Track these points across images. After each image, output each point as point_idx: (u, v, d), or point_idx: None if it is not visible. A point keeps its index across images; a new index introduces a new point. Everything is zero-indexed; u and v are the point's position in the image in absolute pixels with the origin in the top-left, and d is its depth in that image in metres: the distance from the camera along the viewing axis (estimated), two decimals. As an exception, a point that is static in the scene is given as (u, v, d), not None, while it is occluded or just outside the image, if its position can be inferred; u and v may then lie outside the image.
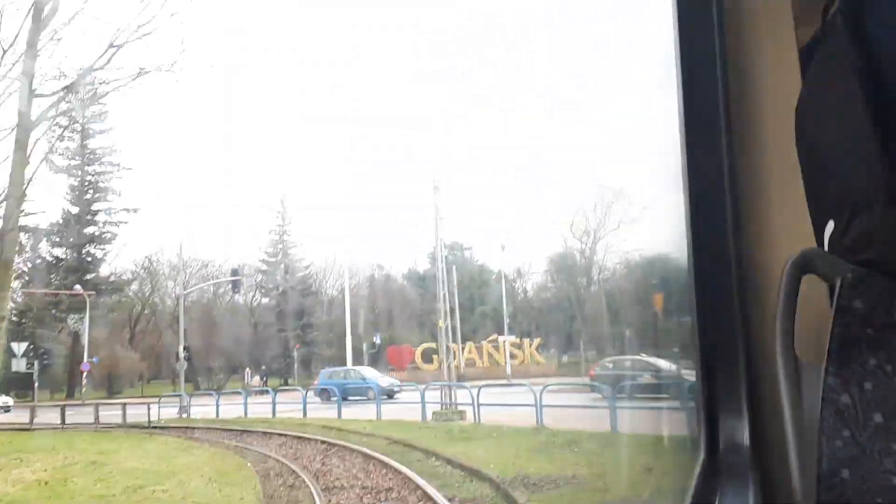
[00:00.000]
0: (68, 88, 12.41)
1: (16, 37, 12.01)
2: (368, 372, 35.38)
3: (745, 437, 1.37)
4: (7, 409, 40.76)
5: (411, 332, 53.81)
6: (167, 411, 28.95)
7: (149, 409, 24.29)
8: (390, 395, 29.83)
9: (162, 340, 51.62)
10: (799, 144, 1.19)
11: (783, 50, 1.33)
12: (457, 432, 15.42)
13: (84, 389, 47.45)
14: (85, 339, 47.59)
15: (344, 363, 49.07)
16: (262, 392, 43.12)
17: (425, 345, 49.15)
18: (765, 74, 1.38)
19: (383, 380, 33.11)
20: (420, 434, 15.96)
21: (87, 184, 56.15)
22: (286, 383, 48.91)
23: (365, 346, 43.92)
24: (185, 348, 32.11)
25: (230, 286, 37.15)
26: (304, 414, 22.51)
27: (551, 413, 15.98)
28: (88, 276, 54.33)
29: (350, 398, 28.98)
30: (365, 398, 28.85)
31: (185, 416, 28.05)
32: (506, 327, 44.05)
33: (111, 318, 54.44)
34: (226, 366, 48.97)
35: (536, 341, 50.72)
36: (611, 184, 56.16)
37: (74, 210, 55.17)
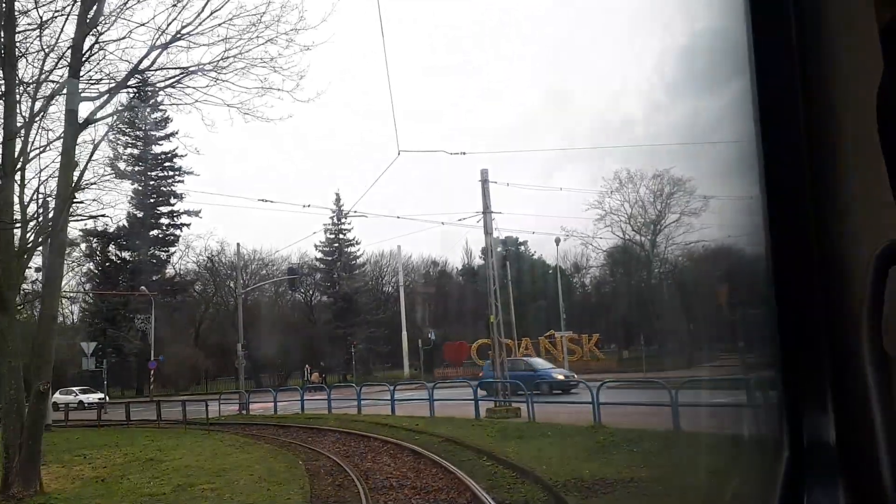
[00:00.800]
0: (116, 88, 12.45)
1: (58, 36, 12.09)
2: (539, 363, 31.12)
3: (832, 436, 1.33)
4: (100, 404, 43.40)
5: (466, 327, 53.44)
6: (229, 407, 29.49)
7: (206, 405, 24.67)
8: (566, 389, 25.90)
9: (225, 338, 52.92)
10: (882, 130, 1.13)
11: (863, 31, 1.21)
12: (511, 430, 14.92)
13: (152, 387, 49.05)
14: (151, 338, 49.14)
15: (401, 360, 49.27)
16: (319, 388, 43.68)
17: (481, 340, 48.68)
18: (843, 57, 1.30)
19: (557, 371, 28.76)
20: (472, 432, 15.55)
21: (150, 188, 58.09)
22: (345, 380, 49.37)
23: (420, 343, 43.80)
24: (243, 346, 32.51)
25: (287, 284, 37.45)
26: (359, 410, 22.40)
27: (610, 411, 15.31)
28: (154, 278, 56.20)
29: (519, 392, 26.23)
30: (538, 392, 23.05)
31: (244, 412, 28.46)
32: (562, 322, 43.05)
33: (176, 317, 56.20)
34: (286, 362, 49.72)
35: (595, 337, 49.58)
36: (672, 173, 54.63)
37: (139, 214, 57.11)
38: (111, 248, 55.40)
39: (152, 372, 48.70)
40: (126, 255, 57.04)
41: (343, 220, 52.31)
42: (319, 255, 52.43)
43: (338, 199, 52.17)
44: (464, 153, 46.25)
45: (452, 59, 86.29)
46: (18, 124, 11.21)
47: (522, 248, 70.55)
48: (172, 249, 59.14)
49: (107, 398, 46.39)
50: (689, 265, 55.21)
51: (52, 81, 12.67)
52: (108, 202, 73.43)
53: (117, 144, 58.35)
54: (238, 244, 39.53)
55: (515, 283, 62.37)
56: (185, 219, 58.37)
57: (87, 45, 11.97)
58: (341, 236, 52.42)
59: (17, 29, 11.84)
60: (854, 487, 1.25)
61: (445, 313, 59.74)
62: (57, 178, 11.34)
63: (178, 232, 58.65)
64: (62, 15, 12.23)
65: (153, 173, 59.06)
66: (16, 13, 11.78)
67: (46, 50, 12.37)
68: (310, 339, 48.79)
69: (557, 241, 42.52)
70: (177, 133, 58.53)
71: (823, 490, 1.30)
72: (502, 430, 15.13)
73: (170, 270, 57.74)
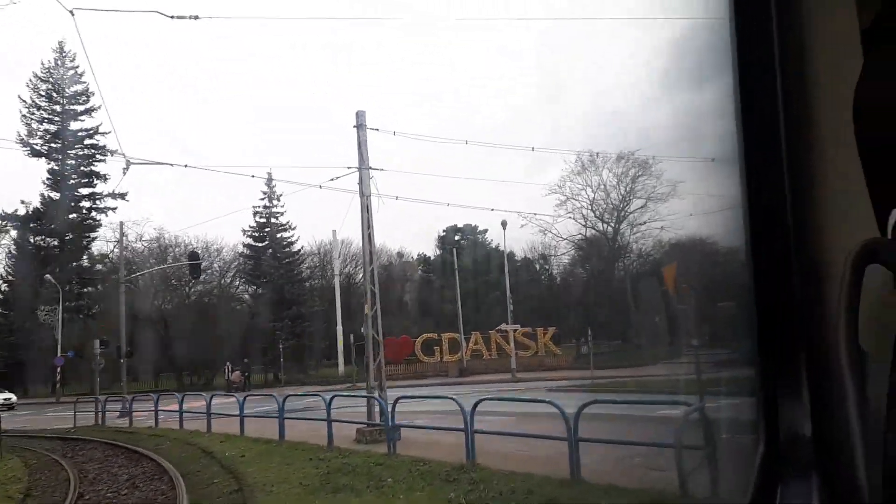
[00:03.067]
0: None
1: None
2: None
3: (808, 431, 1.34)
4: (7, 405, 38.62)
5: (414, 321, 48.76)
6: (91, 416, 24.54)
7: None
8: None
9: (151, 332, 47.76)
10: (859, 130, 1.17)
11: (843, 32, 1.27)
12: (342, 475, 10.09)
13: (57, 385, 43.80)
14: (58, 333, 43.87)
15: (335, 356, 44.44)
16: (239, 389, 38.75)
17: (426, 335, 44.13)
18: (824, 57, 1.34)
19: None
20: (289, 474, 10.76)
21: (68, 168, 52.59)
22: (275, 379, 44.45)
23: (352, 338, 39.07)
24: (101, 342, 27.54)
25: (189, 271, 32.42)
26: (209, 427, 17.49)
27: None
28: (73, 264, 50.86)
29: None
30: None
31: (100, 423, 23.55)
32: (509, 315, 38.52)
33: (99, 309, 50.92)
34: (213, 360, 44.58)
35: (551, 331, 45.01)
36: (637, 155, 50.33)
37: (55, 196, 51.57)
38: (18, 232, 49.66)
39: (58, 369, 43.38)
40: (39, 240, 51.40)
41: (274, 202, 47.31)
42: (248, 240, 47.30)
43: (269, 179, 47.10)
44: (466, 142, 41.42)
45: (441, 54, 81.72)
46: None
47: (482, 237, 66.16)
48: (93, 235, 53.65)
49: (13, 397, 41.50)
50: (656, 256, 51.00)
51: None
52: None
53: (31, 119, 53.30)
54: (121, 223, 34.24)
55: (471, 274, 57.92)
56: (109, 202, 52.98)
57: None
58: (273, 220, 47.32)
59: None
60: (829, 482, 1.25)
61: (399, 306, 55.03)
62: None
63: (101, 216, 53.19)
64: None
65: (72, 152, 53.52)
66: None
67: None
68: (238, 335, 43.71)
69: (504, 223, 37.79)
70: (99, 107, 53.59)
71: (799, 484, 1.31)
72: (331, 472, 10.33)
73: (87, 258, 52.16)
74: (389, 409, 12.79)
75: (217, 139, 71.55)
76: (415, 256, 65.59)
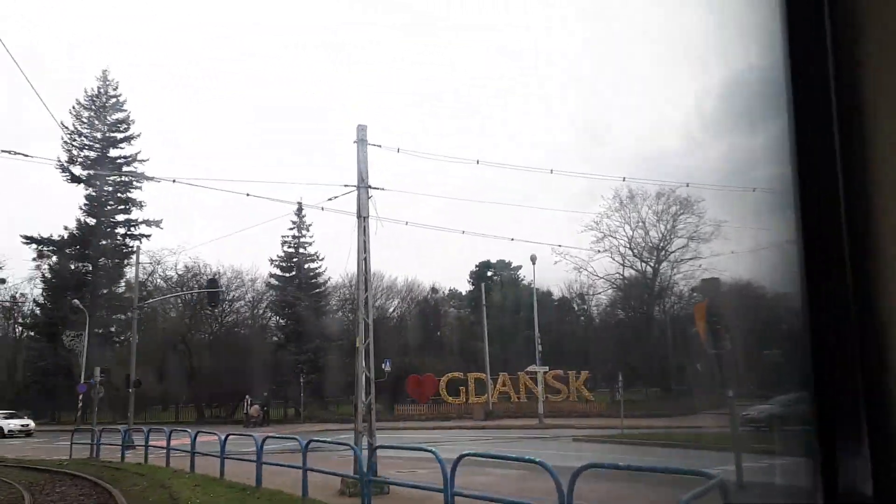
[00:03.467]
0: None
1: None
2: None
3: (869, 490, 1.30)
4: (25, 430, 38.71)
5: (442, 359, 47.09)
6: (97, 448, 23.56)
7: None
8: None
9: (181, 361, 47.25)
10: None
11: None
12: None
13: (79, 413, 43.37)
14: (83, 358, 43.65)
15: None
16: (257, 424, 37.62)
17: (452, 374, 42.41)
18: (883, 102, 1.32)
19: None
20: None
21: (105, 194, 53.29)
22: (297, 413, 43.18)
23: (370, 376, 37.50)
24: (102, 371, 26.78)
25: (207, 299, 31.69)
26: (167, 462, 16.00)
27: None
28: (104, 292, 51.05)
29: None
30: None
31: (95, 455, 22.56)
32: (537, 355, 36.62)
33: (127, 337, 50.84)
34: (234, 391, 43.63)
35: (584, 374, 42.78)
36: (678, 192, 48.35)
37: (91, 222, 52.14)
38: (55, 257, 50.18)
39: (80, 396, 42.97)
40: (75, 266, 51.82)
41: (304, 233, 46.72)
42: (276, 270, 46.68)
43: (300, 209, 46.64)
44: (477, 161, 40.45)
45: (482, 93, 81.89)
46: None
47: (515, 273, 64.36)
48: (127, 262, 53.91)
49: (31, 424, 41.33)
50: (698, 298, 48.55)
51: None
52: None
53: (72, 146, 54.33)
54: (138, 246, 33.82)
55: (502, 311, 56.11)
56: (143, 229, 53.29)
57: None
58: (301, 250, 46.66)
59: None
60: None
61: (424, 342, 53.55)
62: None
63: (135, 243, 53.49)
64: None
65: (111, 178, 54.27)
66: None
67: None
68: (263, 367, 42.74)
69: (533, 258, 36.27)
70: (139, 135, 54.42)
71: None
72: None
73: (124, 284, 52.26)
74: (367, 458, 11.28)
75: (232, 152, 71.94)
76: (447, 292, 64.31)
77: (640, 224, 49.21)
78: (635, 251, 51.02)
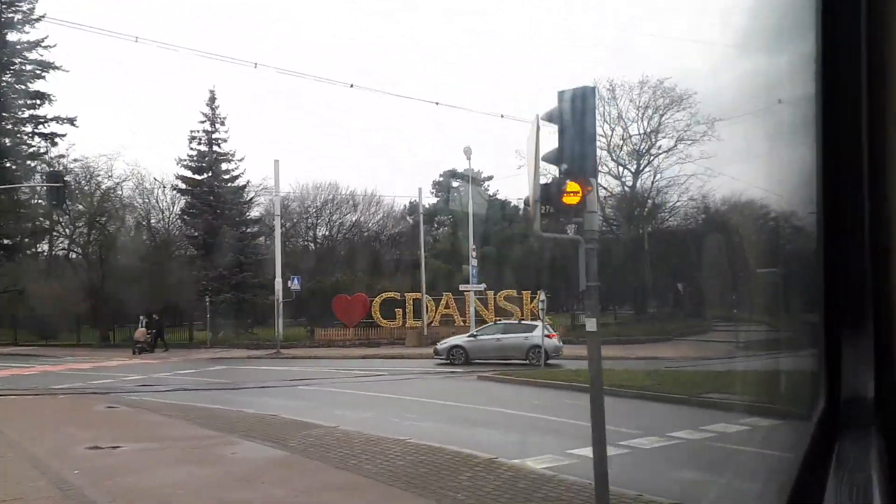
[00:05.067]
0: None
1: None
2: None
3: (870, 389, 1.33)
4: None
5: (389, 280, 40.65)
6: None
7: None
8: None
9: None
10: None
11: None
12: None
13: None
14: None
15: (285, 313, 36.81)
16: (144, 350, 31.70)
17: (386, 294, 36.11)
18: None
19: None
20: None
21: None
22: (190, 338, 37.20)
23: (281, 294, 31.41)
24: None
25: (48, 197, 24.99)
26: None
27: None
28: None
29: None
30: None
31: None
32: (472, 274, 30.16)
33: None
34: (131, 314, 37.48)
35: (539, 295, 36.22)
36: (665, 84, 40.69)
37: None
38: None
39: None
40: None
41: (217, 127, 39.52)
42: (184, 171, 39.71)
43: (212, 98, 39.36)
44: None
45: None
46: None
47: (485, 184, 57.14)
48: (35, 164, 46.88)
49: None
50: (684, 209, 41.36)
51: None
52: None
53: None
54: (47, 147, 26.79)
55: (459, 226, 49.43)
56: (55, 127, 45.91)
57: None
58: (215, 147, 39.55)
59: None
60: (889, 441, 1.24)
61: (373, 261, 47.13)
62: None
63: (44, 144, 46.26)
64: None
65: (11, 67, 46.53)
66: None
67: None
68: (161, 286, 36.46)
69: (467, 151, 29.15)
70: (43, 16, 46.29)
71: (857, 441, 1.30)
72: None
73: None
74: None
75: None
76: (407, 205, 57.31)
77: (619, 120, 41.59)
78: (613, 154, 43.61)
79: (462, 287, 32.05)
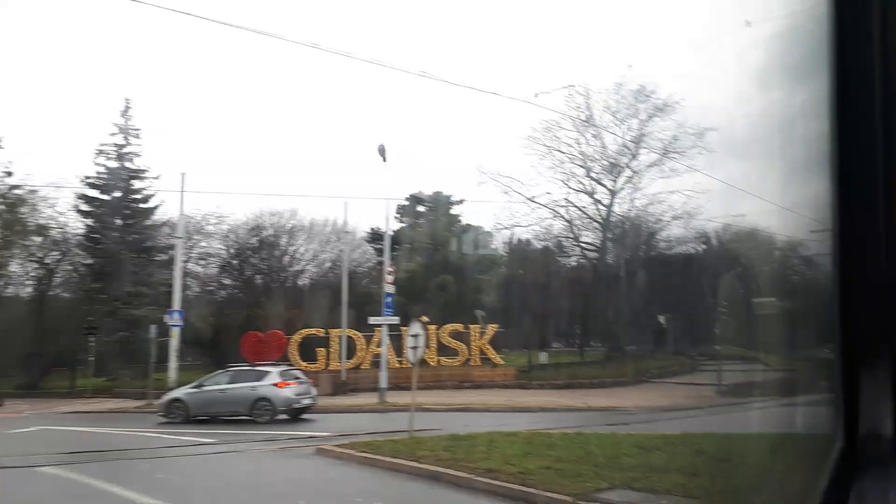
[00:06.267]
0: None
1: None
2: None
3: (889, 428, 1.31)
4: None
5: (309, 313, 34.86)
6: None
7: None
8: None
9: None
10: None
11: None
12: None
13: None
14: None
15: (184, 353, 30.99)
16: None
17: (306, 331, 30.37)
18: None
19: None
20: None
21: None
22: (72, 384, 31.06)
23: (153, 332, 25.83)
24: None
25: None
26: None
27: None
28: None
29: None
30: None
31: None
32: (384, 303, 24.49)
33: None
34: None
35: (490, 329, 30.27)
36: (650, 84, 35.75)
37: None
38: None
39: None
40: None
41: (129, 139, 34.56)
42: (91, 191, 34.56)
43: (126, 108, 34.53)
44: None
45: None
46: None
47: (451, 207, 51.55)
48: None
49: None
50: (667, 230, 35.66)
51: None
52: None
53: None
54: None
55: (426, 253, 43.77)
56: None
57: None
58: (127, 164, 34.49)
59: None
60: None
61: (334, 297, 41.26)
62: None
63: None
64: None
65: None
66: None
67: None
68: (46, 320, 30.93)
69: (381, 150, 23.55)
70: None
71: (875, 481, 1.27)
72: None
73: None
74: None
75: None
76: (368, 232, 51.58)
77: (592, 128, 36.12)
78: (589, 171, 38.05)
79: (372, 320, 26.19)
